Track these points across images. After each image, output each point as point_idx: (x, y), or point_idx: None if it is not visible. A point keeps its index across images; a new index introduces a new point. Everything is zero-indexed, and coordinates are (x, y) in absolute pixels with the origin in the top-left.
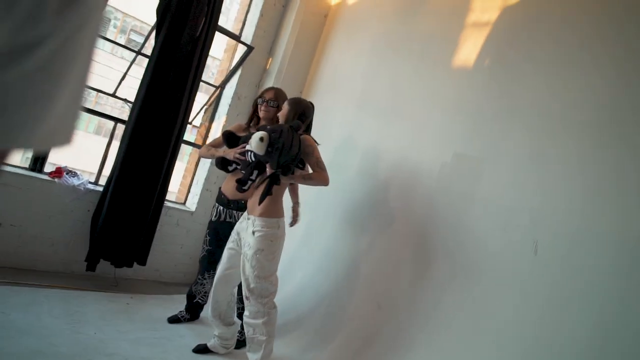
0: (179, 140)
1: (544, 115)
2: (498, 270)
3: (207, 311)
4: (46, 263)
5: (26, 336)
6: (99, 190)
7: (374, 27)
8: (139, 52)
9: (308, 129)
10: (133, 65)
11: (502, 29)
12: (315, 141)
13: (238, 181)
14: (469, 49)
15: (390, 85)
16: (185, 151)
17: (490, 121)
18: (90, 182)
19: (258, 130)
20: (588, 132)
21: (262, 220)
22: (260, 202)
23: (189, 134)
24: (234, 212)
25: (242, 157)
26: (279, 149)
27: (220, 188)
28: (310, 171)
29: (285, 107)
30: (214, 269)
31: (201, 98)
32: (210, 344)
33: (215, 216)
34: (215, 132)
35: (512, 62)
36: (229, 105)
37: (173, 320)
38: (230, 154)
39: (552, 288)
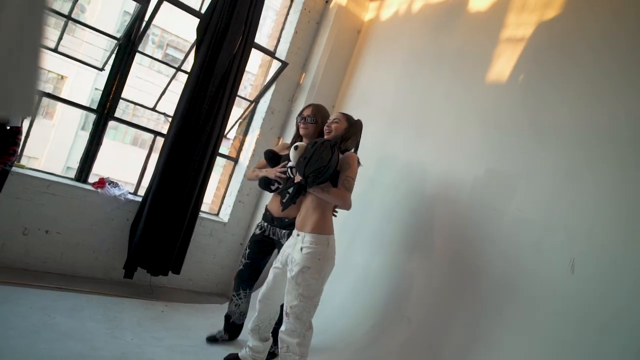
0: (214, 152)
1: (579, 132)
2: (533, 289)
3: (246, 328)
4: (88, 269)
5: (70, 339)
6: (137, 201)
7: (405, 43)
8: (179, 69)
9: (356, 148)
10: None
11: (537, 45)
12: (358, 161)
13: (279, 193)
14: (502, 65)
15: (421, 100)
16: (219, 163)
17: (523, 137)
18: (130, 193)
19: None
20: (624, 150)
21: (312, 236)
22: (285, 207)
23: (223, 147)
24: (278, 229)
25: (283, 175)
26: (307, 159)
27: (266, 206)
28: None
29: (343, 122)
30: (250, 287)
31: (236, 112)
32: (241, 354)
33: (259, 230)
34: (249, 145)
35: (547, 78)
36: (263, 119)
37: (211, 340)
38: (272, 173)
39: (590, 308)
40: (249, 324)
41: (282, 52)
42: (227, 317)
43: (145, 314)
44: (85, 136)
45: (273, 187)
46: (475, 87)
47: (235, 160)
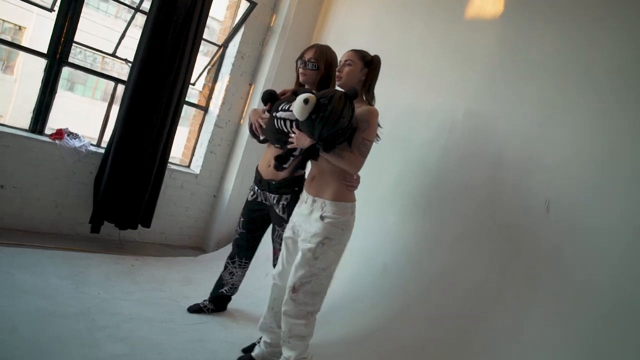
0: (180, 100)
1: (560, 68)
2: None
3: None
4: (51, 225)
5: (31, 295)
6: (101, 153)
7: None
8: (137, 9)
9: (372, 96)
10: (133, 27)
11: None
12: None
13: (277, 158)
14: None
15: (400, 40)
16: (188, 113)
17: (504, 75)
18: (92, 145)
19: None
20: (604, 88)
21: (335, 205)
22: (291, 173)
23: (193, 96)
24: (267, 193)
25: (262, 124)
26: (325, 118)
27: (257, 166)
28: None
29: (358, 62)
30: (248, 258)
31: (203, 60)
32: (255, 353)
33: (250, 195)
34: (219, 93)
35: (529, 12)
36: (232, 65)
37: (194, 310)
38: (254, 117)
39: (561, 248)
40: (259, 320)
41: None
42: (219, 283)
43: (114, 268)
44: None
45: (261, 137)
46: (454, 23)
47: (205, 109)
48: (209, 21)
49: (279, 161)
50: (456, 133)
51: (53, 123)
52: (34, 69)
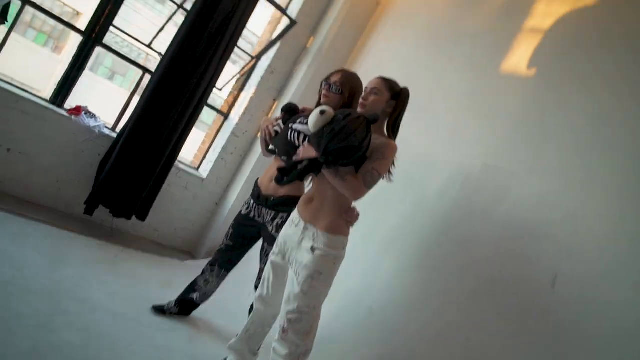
0: (201, 101)
1: (586, 138)
2: (516, 298)
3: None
4: (47, 199)
5: (0, 264)
6: (113, 137)
7: (422, 22)
8: (180, 6)
9: (395, 131)
10: (173, 25)
11: (561, 40)
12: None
13: (280, 170)
14: (520, 57)
15: (428, 83)
16: (209, 116)
17: (528, 135)
18: (106, 127)
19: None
20: (628, 162)
21: (328, 237)
22: (286, 183)
23: (218, 101)
24: (263, 209)
25: (272, 132)
26: (334, 132)
27: (257, 179)
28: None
29: (385, 92)
30: (225, 269)
31: (234, 70)
32: None
33: (245, 209)
34: (242, 102)
35: (565, 77)
36: (261, 78)
37: (158, 310)
38: (265, 124)
39: (571, 324)
40: (231, 339)
41: (293, 11)
42: (191, 287)
43: (96, 254)
44: (92, 76)
45: (270, 147)
46: (486, 76)
47: (226, 116)
48: (248, 34)
49: (282, 173)
50: (469, 186)
51: (79, 102)
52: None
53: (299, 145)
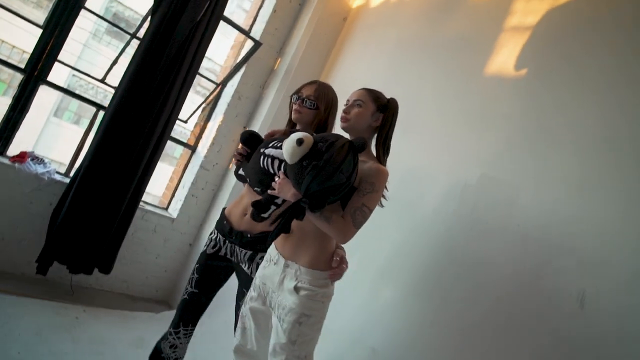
0: (163, 135)
1: (594, 135)
2: (539, 324)
3: None
4: None
5: None
6: (66, 182)
7: (395, 33)
8: (133, 35)
9: (386, 150)
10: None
11: (547, 35)
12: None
13: (255, 204)
14: (505, 57)
15: (411, 93)
16: (175, 151)
17: (527, 139)
18: (58, 173)
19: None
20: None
21: (311, 273)
22: (270, 241)
23: (183, 134)
24: (237, 247)
25: (239, 157)
26: (318, 168)
27: (223, 209)
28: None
29: (370, 105)
30: (192, 323)
31: (198, 100)
32: None
33: (211, 247)
34: (209, 133)
35: (558, 72)
36: (228, 104)
37: None
38: (236, 151)
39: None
40: None
41: (257, 32)
42: (156, 353)
43: (52, 320)
44: (57, 123)
45: (239, 172)
46: (473, 79)
47: (193, 149)
48: (211, 64)
49: (258, 209)
50: (468, 200)
51: (47, 151)
52: (44, 101)
53: (274, 173)
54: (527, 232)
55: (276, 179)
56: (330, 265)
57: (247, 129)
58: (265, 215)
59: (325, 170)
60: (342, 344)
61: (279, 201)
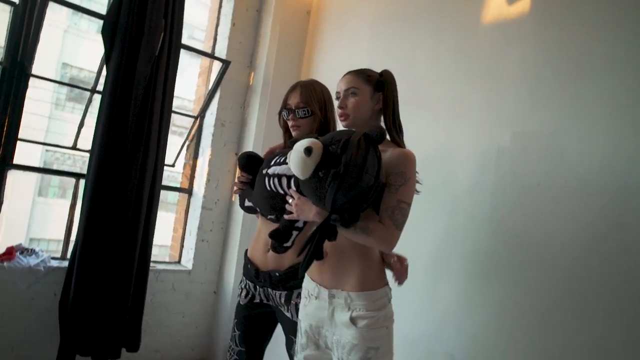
0: (155, 187)
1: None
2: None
3: None
4: None
5: None
6: (65, 266)
7: (371, 6)
8: (93, 90)
9: (399, 129)
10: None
11: None
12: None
13: (274, 235)
14: None
15: (405, 69)
16: (171, 199)
17: (550, 86)
18: (53, 258)
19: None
20: None
21: (366, 296)
22: (303, 272)
23: (174, 178)
24: (270, 290)
25: (241, 186)
26: (339, 177)
27: (246, 252)
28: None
29: (365, 89)
30: None
31: (178, 140)
32: None
33: (244, 297)
34: (202, 170)
35: (571, 5)
36: (213, 136)
37: None
38: (238, 180)
39: None
40: None
41: (221, 52)
42: None
43: None
44: (43, 203)
45: (246, 204)
46: (470, 31)
47: (189, 192)
48: (180, 101)
49: (278, 239)
50: (507, 165)
51: (42, 233)
52: (25, 183)
53: (286, 193)
54: (587, 179)
55: (289, 199)
56: (383, 278)
57: (243, 152)
58: (288, 244)
59: (349, 175)
60: (415, 353)
61: (299, 224)
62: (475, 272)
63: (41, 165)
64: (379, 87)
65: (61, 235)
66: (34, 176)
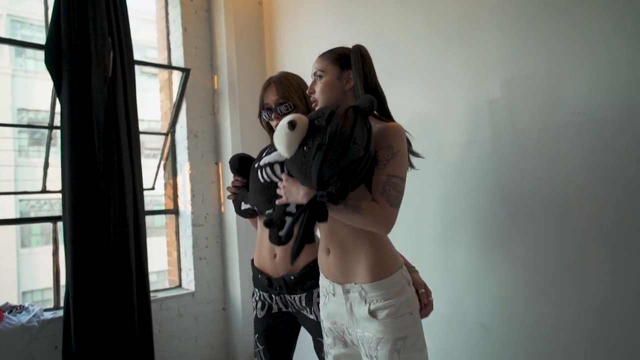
0: (139, 213)
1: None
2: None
3: None
4: None
5: None
6: (60, 316)
7: None
8: (51, 126)
9: (382, 100)
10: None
11: None
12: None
13: (267, 224)
14: None
15: (373, 39)
16: (157, 223)
17: (536, 20)
18: (46, 310)
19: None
20: None
21: (380, 285)
22: (294, 257)
23: (157, 201)
24: (287, 297)
25: (235, 190)
26: (324, 148)
27: (252, 261)
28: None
29: (331, 67)
30: None
31: (152, 162)
32: None
33: (261, 310)
34: (184, 187)
35: None
36: (188, 149)
37: None
38: (232, 185)
39: None
40: None
41: (178, 60)
42: None
43: None
44: (28, 254)
45: (243, 208)
46: None
47: (175, 212)
48: (145, 123)
49: (272, 227)
50: (503, 115)
51: (34, 283)
52: (3, 237)
53: (280, 179)
54: (596, 114)
55: (279, 184)
56: (397, 260)
57: (234, 155)
58: (283, 232)
59: (335, 147)
60: (442, 328)
61: (291, 209)
62: (486, 234)
63: (17, 216)
64: (347, 64)
65: (40, 284)
66: (13, 229)
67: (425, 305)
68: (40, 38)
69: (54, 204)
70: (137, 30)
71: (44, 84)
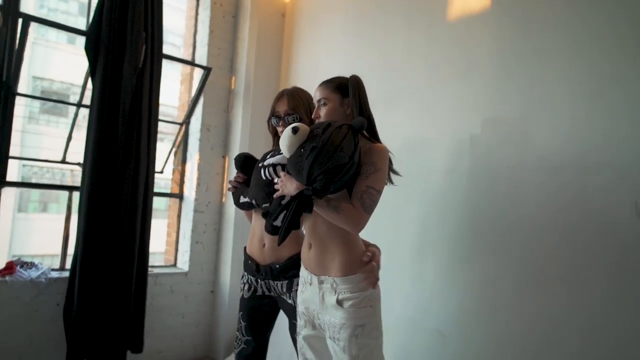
0: (148, 193)
1: (588, 49)
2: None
3: None
4: None
5: None
6: (66, 277)
7: (342, 6)
8: (80, 104)
9: (372, 126)
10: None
11: None
12: (390, 161)
13: (264, 214)
14: None
15: (379, 63)
16: (162, 204)
17: (517, 72)
18: (53, 270)
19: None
20: None
21: (350, 280)
22: (282, 239)
23: (164, 185)
24: (271, 282)
25: (236, 184)
26: (316, 150)
27: (245, 248)
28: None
29: (333, 96)
30: None
31: (165, 146)
32: None
33: (247, 291)
34: (191, 175)
35: None
36: (200, 141)
37: None
38: (234, 179)
39: None
40: None
41: (201, 58)
42: None
43: None
44: (24, 218)
45: (241, 201)
46: (437, 32)
47: (180, 196)
48: (163, 107)
49: (268, 218)
50: (481, 150)
51: (25, 249)
52: (3, 200)
53: (271, 176)
54: (555, 160)
55: (277, 180)
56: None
57: (240, 153)
58: (277, 223)
59: (325, 150)
60: (407, 330)
61: (285, 201)
62: (457, 251)
63: (19, 180)
64: (346, 92)
65: (46, 249)
66: (12, 192)
67: (367, 274)
68: (66, 9)
69: (56, 174)
70: (165, 16)
71: (62, 56)
